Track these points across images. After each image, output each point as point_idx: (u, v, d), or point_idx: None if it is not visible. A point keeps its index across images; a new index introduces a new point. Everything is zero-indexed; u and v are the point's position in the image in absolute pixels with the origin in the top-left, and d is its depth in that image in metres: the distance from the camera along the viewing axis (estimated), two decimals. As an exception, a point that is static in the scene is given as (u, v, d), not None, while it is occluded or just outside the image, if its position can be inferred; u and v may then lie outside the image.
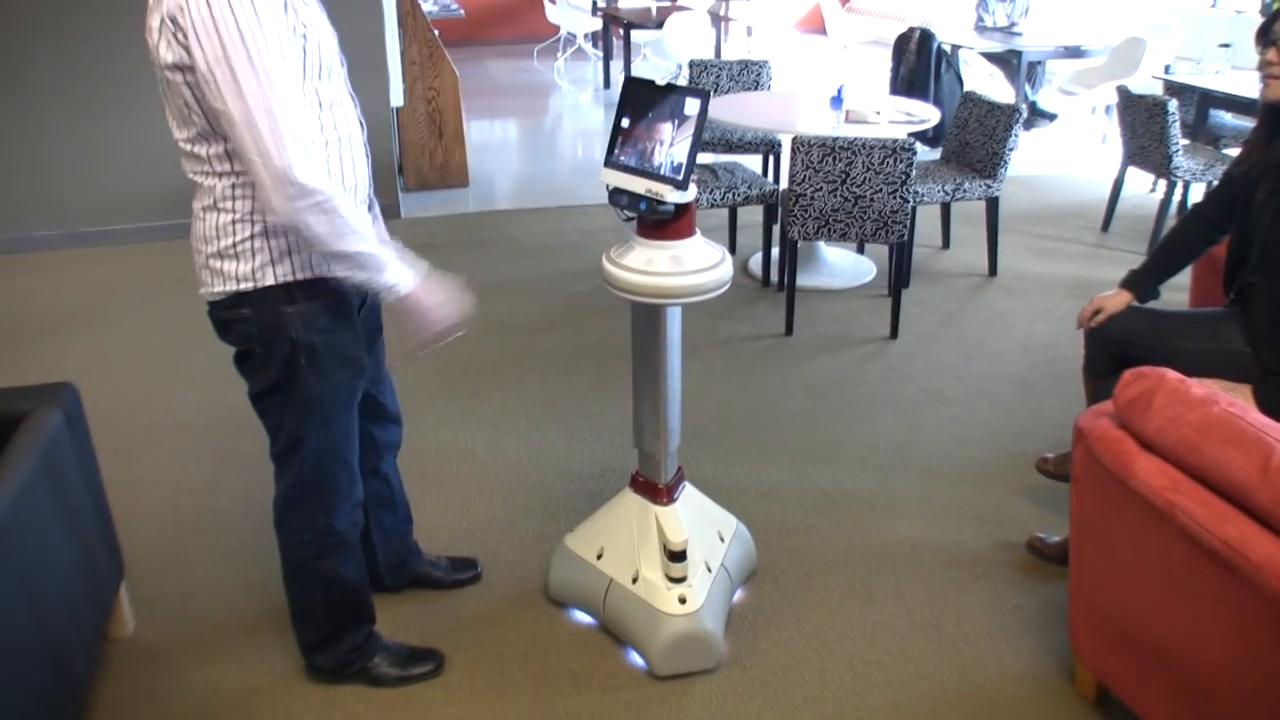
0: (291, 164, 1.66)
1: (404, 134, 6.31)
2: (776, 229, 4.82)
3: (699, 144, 1.97)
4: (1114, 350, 2.71)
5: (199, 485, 3.24)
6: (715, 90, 5.56)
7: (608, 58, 10.53)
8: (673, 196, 2.00)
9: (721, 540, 2.60)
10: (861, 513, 3.09)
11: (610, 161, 2.11)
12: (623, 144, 2.10)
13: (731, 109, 4.85)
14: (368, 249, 1.80)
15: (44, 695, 1.92)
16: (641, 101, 2.07)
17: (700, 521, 2.55)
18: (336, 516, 2.17)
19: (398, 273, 1.86)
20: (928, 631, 2.60)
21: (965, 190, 4.76)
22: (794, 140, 3.99)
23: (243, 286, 1.86)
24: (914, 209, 4.27)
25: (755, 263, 5.14)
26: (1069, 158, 7.50)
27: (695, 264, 2.10)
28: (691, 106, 1.99)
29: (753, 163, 5.63)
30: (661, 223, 2.07)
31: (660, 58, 9.95)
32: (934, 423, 3.63)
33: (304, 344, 1.92)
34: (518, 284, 4.93)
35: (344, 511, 2.19)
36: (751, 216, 5.73)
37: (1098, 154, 7.62)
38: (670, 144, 2.01)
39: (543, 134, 8.58)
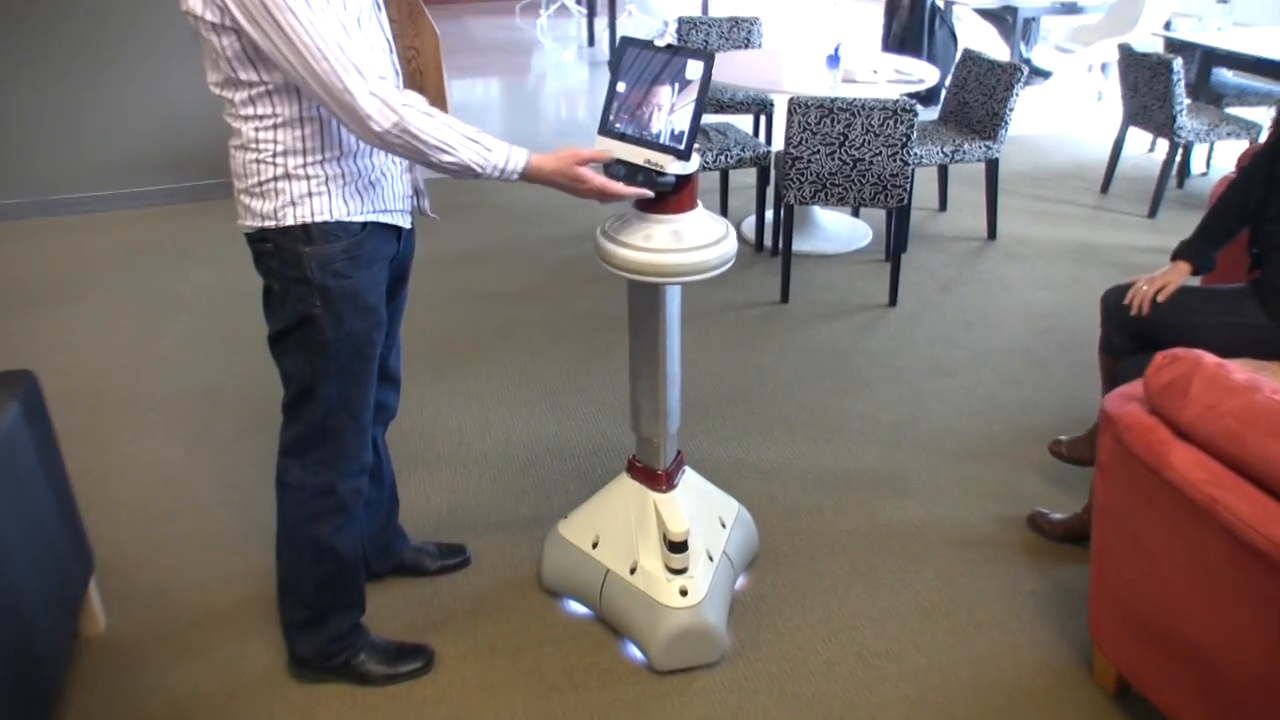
0: (359, 103, 1.66)
1: (384, 95, 6.09)
2: (770, 192, 4.67)
3: (702, 111, 1.82)
4: (1133, 328, 2.58)
5: (173, 468, 3.10)
6: (705, 46, 5.38)
7: (592, 14, 10.29)
8: (674, 167, 1.85)
9: (723, 526, 2.48)
10: (865, 492, 2.98)
11: (605, 129, 1.96)
12: (618, 110, 1.95)
13: (723, 68, 4.67)
14: (464, 152, 1.79)
15: (12, 698, 1.79)
16: (639, 64, 1.92)
17: (701, 507, 2.42)
18: (340, 476, 2.08)
19: (504, 154, 1.84)
20: (939, 619, 2.49)
21: (965, 152, 4.61)
22: (790, 101, 3.83)
23: (266, 224, 1.85)
24: (912, 171, 4.12)
25: (748, 227, 5.00)
26: (1065, 117, 7.35)
27: (697, 239, 1.95)
28: (694, 70, 1.83)
29: (743, 123, 5.46)
30: (661, 195, 1.92)
31: (645, 14, 9.72)
32: (937, 395, 3.51)
33: (318, 286, 1.87)
34: (504, 251, 4.77)
35: (349, 472, 2.09)
36: (743, 179, 5.58)
37: (1094, 113, 7.47)
38: (671, 110, 1.86)
39: (526, 93, 8.37)
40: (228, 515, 2.85)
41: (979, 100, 4.73)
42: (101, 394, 3.54)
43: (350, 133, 1.76)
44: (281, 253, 1.86)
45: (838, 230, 4.94)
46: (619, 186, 1.88)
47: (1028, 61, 8.36)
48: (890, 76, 4.55)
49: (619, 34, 9.42)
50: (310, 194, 1.83)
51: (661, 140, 1.87)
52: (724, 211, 5.22)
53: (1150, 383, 1.88)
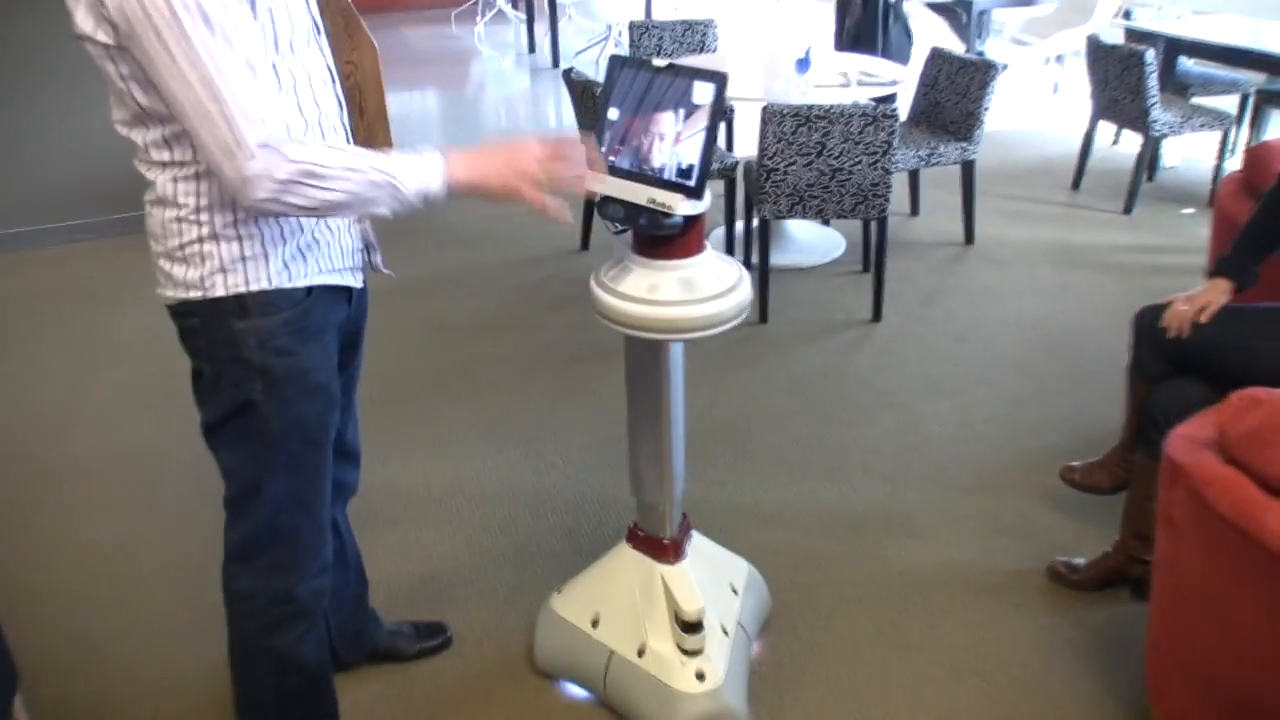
0: (248, 154, 1.34)
1: (322, 114, 5.76)
2: (740, 203, 4.43)
3: (714, 141, 1.56)
4: (1170, 352, 2.36)
5: (111, 547, 2.78)
6: (659, 54, 5.13)
7: (531, 20, 10.00)
8: (684, 208, 1.59)
9: (735, 593, 2.22)
10: (877, 534, 2.74)
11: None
12: (612, 141, 1.68)
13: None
14: (363, 185, 1.42)
15: None
16: (634, 87, 1.66)
17: (711, 575, 2.17)
18: (298, 580, 1.79)
19: (417, 175, 1.47)
20: (973, 680, 2.26)
21: (940, 155, 4.41)
22: (765, 109, 3.59)
23: (191, 295, 1.54)
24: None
25: (717, 241, 4.74)
26: (1024, 111, 7.20)
27: (710, 287, 1.70)
28: (703, 94, 1.58)
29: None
30: (666, 238, 1.66)
31: (587, 18, 9.46)
32: (936, 419, 3.28)
33: (258, 367, 1.57)
34: (456, 278, 4.48)
35: (308, 574, 1.81)
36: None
37: (1053, 106, 7.33)
38: (676, 140, 1.60)
39: (466, 104, 8.08)
40: (177, 601, 2.54)
41: (951, 100, 4.53)
42: (24, 462, 3.20)
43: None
44: (211, 330, 1.57)
45: (810, 241, 4.71)
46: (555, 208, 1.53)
47: (980, 54, 8.20)
48: (856, 78, 4.33)
49: (558, 44, 9.15)
50: (243, 258, 1.52)
51: (667, 175, 1.61)
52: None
53: (1229, 430, 1.66)
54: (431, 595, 2.56)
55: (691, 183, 1.58)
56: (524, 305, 4.19)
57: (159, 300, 1.61)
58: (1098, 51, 5.09)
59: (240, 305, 1.53)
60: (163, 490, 3.02)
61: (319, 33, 1.56)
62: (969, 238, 4.73)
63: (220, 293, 1.52)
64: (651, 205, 1.61)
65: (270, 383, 1.57)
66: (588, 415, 3.34)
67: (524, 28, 10.13)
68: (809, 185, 3.73)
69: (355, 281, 1.71)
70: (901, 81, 4.46)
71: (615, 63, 1.68)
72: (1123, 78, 4.94)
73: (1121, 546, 2.44)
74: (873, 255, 4.06)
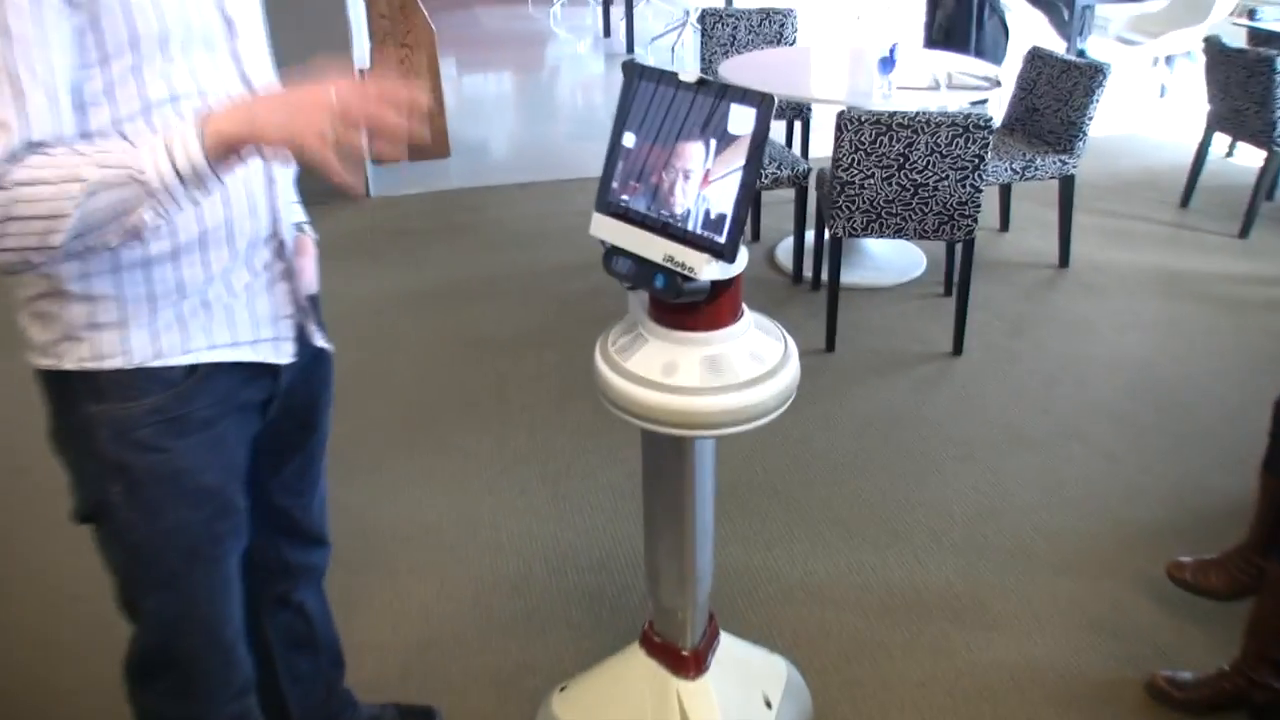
0: None
1: (375, 98, 5.46)
2: (811, 211, 4.03)
3: (755, 183, 1.18)
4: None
5: (80, 590, 2.49)
6: (733, 45, 4.75)
7: (607, 3, 9.62)
8: (710, 271, 1.22)
9: (769, 707, 1.85)
10: (943, 620, 2.35)
11: (605, 203, 1.33)
12: (625, 176, 1.32)
13: (755, 70, 4.04)
14: (93, 191, 1.01)
15: None
16: (655, 107, 1.29)
17: (740, 687, 1.80)
18: (209, 708, 1.47)
19: (162, 151, 1.04)
20: (1053, 825, 1.86)
21: (1036, 168, 3.97)
22: (841, 115, 3.19)
23: (43, 362, 1.22)
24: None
25: (784, 253, 4.35)
26: (1127, 116, 6.65)
27: (743, 370, 1.33)
28: (742, 121, 1.20)
29: (775, 130, 4.81)
30: (690, 305, 1.29)
31: (665, 2, 9.06)
32: (1019, 477, 2.87)
33: (114, 464, 1.24)
34: (502, 283, 4.14)
35: (220, 700, 1.50)
36: (777, 192, 4.92)
37: (1160, 111, 6.77)
38: (705, 181, 1.23)
39: (538, 90, 7.75)
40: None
41: (1051, 107, 4.07)
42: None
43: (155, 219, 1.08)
44: (63, 411, 1.25)
45: (887, 257, 4.29)
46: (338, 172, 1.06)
47: (1081, 53, 7.65)
48: (954, 80, 3.90)
49: (633, 29, 8.77)
50: (94, 325, 1.18)
51: (691, 226, 1.25)
52: (755, 233, 4.58)
53: None
54: (426, 668, 2.23)
55: (721, 239, 1.21)
56: (568, 317, 3.84)
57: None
58: (1218, 55, 4.58)
59: (92, 386, 1.20)
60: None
61: (233, 35, 1.21)
62: (1064, 260, 4.28)
63: (70, 366, 1.19)
64: (669, 265, 1.25)
65: (131, 485, 1.24)
66: (626, 452, 2.99)
67: (600, 10, 9.76)
68: (888, 201, 3.32)
69: (278, 356, 1.36)
70: (998, 85, 4.01)
71: (633, 73, 1.32)
72: (1247, 85, 4.43)
73: (1243, 666, 2.03)
74: (956, 279, 3.63)
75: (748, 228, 4.56)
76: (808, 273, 4.11)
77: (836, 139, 3.25)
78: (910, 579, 2.49)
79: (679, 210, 1.26)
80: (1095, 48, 7.78)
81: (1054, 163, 4.00)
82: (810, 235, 4.14)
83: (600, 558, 2.57)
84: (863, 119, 3.19)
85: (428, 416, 3.20)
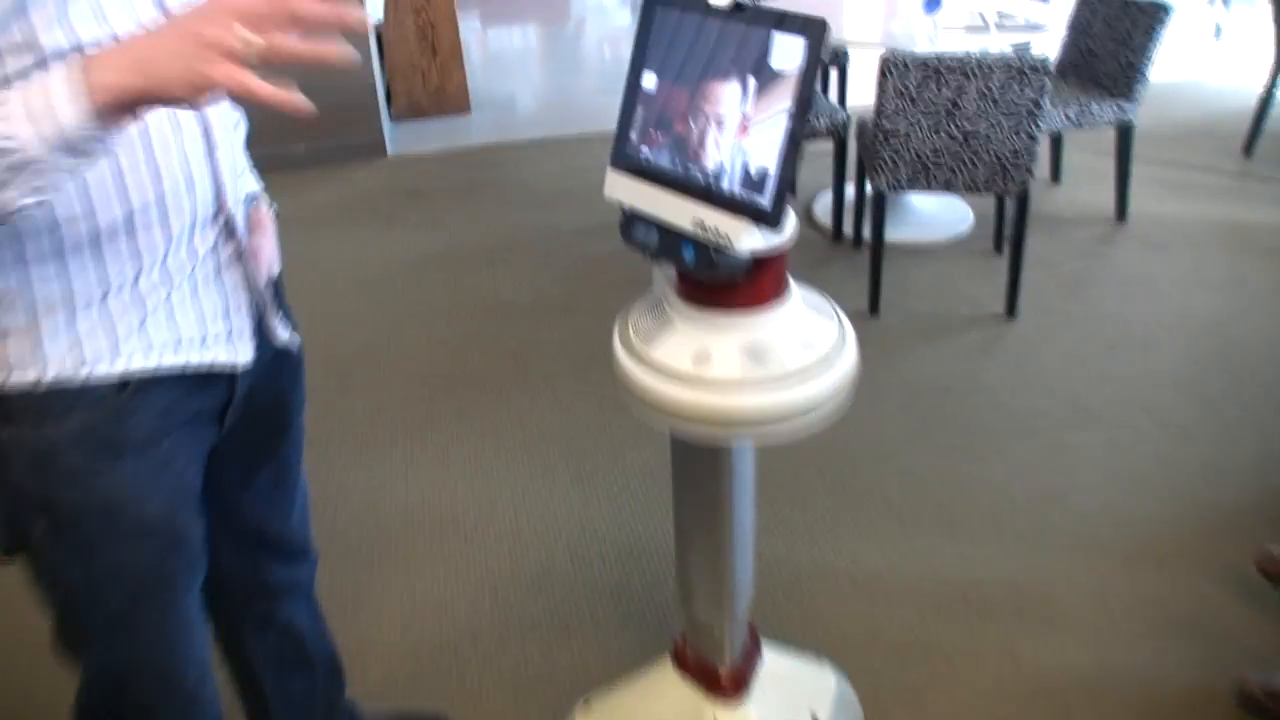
0: None
1: (390, 53, 5.25)
2: (850, 165, 3.77)
3: (802, 131, 0.95)
4: None
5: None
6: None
7: (634, -49, 9.29)
8: (750, 240, 0.99)
9: (817, 727, 1.64)
10: (1006, 618, 2.12)
11: (623, 157, 1.09)
12: (644, 124, 1.08)
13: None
14: None
15: None
16: (679, 39, 1.05)
17: (784, 707, 1.58)
18: None
19: (31, 113, 0.80)
20: None
21: (1092, 114, 3.68)
22: (884, 59, 2.92)
23: None
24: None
25: (822, 209, 4.10)
26: (1181, 60, 6.29)
27: (792, 358, 1.10)
28: (787, 54, 0.96)
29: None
30: (726, 281, 1.06)
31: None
32: (1084, 455, 2.63)
33: (34, 499, 1.03)
34: (523, 245, 3.92)
35: None
36: (814, 144, 4.65)
37: (1214, 53, 6.41)
38: (742, 129, 0.99)
39: (563, 42, 7.47)
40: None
41: (1108, 49, 3.78)
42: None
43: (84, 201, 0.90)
44: None
45: (932, 213, 4.03)
46: (264, 89, 0.79)
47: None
48: (1002, 20, 3.61)
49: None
50: (6, 332, 0.97)
51: (727, 186, 1.01)
52: (791, 189, 4.30)
53: None
54: (440, 669, 2.04)
55: (764, 200, 0.98)
56: (593, 280, 3.61)
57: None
58: (1291, -9, 4.25)
59: (1, 407, 0.98)
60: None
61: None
62: (1121, 213, 3.99)
63: None
64: (700, 233, 1.01)
65: (58, 523, 1.03)
66: (655, 432, 2.76)
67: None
68: (935, 153, 3.06)
69: (232, 356, 1.13)
70: (1047, 24, 3.73)
71: (653, 2, 1.07)
72: (1322, 24, 4.09)
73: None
74: (1008, 235, 3.37)
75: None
76: (848, 230, 3.85)
77: (880, 85, 2.99)
78: (969, 571, 2.26)
79: (710, 165, 1.03)
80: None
81: (1111, 109, 3.71)
82: (850, 190, 3.88)
83: (628, 546, 2.37)
84: (908, 63, 2.92)
85: (443, 390, 2.99)
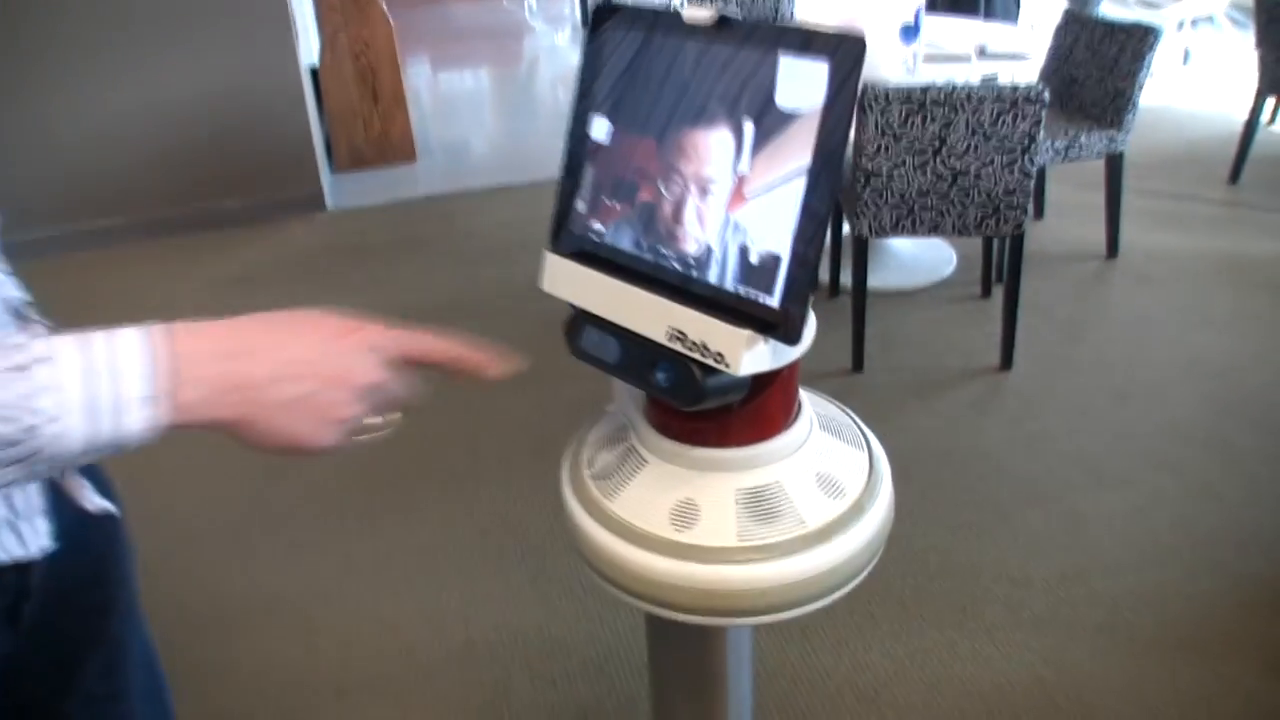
0: None
1: (329, 100, 4.94)
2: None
3: (827, 199, 0.64)
4: None
5: None
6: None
7: (585, -10, 9.09)
8: (752, 360, 0.67)
9: None
10: (1039, 734, 1.82)
11: (565, 237, 0.78)
12: (596, 189, 0.77)
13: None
14: None
15: None
16: (644, 71, 0.74)
17: None
18: None
19: (95, 397, 0.58)
20: None
21: (1081, 146, 3.44)
22: (865, 93, 2.65)
23: None
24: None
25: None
26: (1155, 84, 6.08)
27: (811, 509, 0.79)
28: (802, 86, 0.66)
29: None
30: (716, 409, 0.74)
31: (647, -14, 8.48)
32: (1102, 524, 2.35)
33: None
34: (474, 304, 3.60)
35: None
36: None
37: (1186, 79, 6.24)
38: (736, 194, 0.69)
39: (514, 87, 7.21)
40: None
41: (1094, 76, 3.54)
42: None
43: None
44: None
45: (913, 255, 3.76)
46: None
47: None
48: (979, 50, 3.37)
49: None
50: None
51: (716, 278, 0.70)
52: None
53: None
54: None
55: (773, 298, 0.67)
56: (549, 344, 3.26)
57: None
58: (1272, 11, 4.04)
59: None
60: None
61: None
62: (1112, 248, 3.75)
63: None
64: (679, 347, 0.70)
65: None
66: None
67: (578, 0, 9.21)
68: (921, 194, 2.78)
69: (18, 546, 0.79)
70: (1028, 54, 3.50)
71: (604, 18, 0.77)
72: (1310, 44, 3.89)
73: None
74: (997, 278, 3.10)
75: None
76: (824, 277, 3.57)
77: (858, 121, 2.71)
78: (987, 669, 1.96)
79: (692, 249, 0.72)
80: (1111, 13, 7.24)
81: (1100, 139, 3.47)
82: (828, 234, 3.59)
83: (596, 659, 2.04)
84: (890, 96, 2.65)
85: (382, 476, 2.66)
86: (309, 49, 4.67)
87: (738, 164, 0.70)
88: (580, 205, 0.80)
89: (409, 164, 5.16)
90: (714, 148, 0.71)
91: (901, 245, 3.77)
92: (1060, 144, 3.43)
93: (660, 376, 0.73)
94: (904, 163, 2.74)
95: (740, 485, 0.78)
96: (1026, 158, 2.70)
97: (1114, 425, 2.72)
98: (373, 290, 3.76)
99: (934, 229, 2.85)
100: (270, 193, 4.50)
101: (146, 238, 4.36)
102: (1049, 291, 3.48)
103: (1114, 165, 3.59)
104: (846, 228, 3.02)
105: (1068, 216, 4.08)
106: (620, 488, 0.81)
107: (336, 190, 4.81)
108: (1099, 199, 3.69)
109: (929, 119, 2.67)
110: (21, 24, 3.92)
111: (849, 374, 3.02)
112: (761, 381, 0.74)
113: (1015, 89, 2.62)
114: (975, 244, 3.61)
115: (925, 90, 2.64)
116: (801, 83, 0.66)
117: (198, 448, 2.71)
